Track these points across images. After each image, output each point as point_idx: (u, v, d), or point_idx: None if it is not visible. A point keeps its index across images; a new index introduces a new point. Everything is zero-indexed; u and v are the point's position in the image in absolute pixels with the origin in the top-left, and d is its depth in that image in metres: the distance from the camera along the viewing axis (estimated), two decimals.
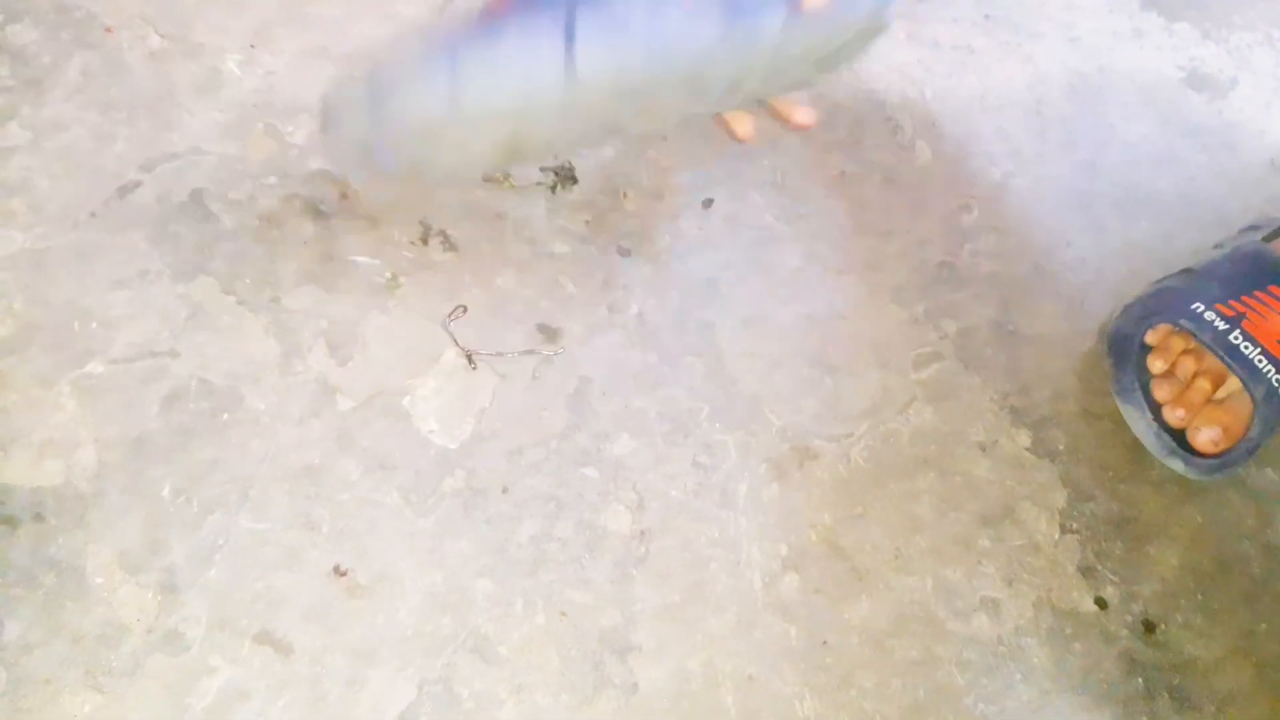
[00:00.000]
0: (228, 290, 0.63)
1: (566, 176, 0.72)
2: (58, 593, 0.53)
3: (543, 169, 0.71)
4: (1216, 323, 0.67)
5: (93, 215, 0.63)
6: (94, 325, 0.60)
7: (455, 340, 0.64)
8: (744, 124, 0.60)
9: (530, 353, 0.65)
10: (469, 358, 0.63)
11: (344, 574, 0.56)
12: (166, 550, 0.55)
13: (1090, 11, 0.90)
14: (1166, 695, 0.62)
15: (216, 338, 0.61)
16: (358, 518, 0.58)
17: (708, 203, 0.73)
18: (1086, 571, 0.64)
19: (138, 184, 0.65)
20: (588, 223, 0.70)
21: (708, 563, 0.60)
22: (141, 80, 0.69)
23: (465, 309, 0.65)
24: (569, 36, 0.50)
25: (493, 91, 0.50)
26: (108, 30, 0.70)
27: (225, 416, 0.59)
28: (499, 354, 0.64)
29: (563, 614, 0.57)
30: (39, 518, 0.55)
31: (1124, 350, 0.70)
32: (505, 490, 0.60)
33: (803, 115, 0.59)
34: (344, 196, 0.67)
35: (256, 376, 0.60)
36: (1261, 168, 0.85)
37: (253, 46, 0.71)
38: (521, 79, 0.50)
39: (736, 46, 0.52)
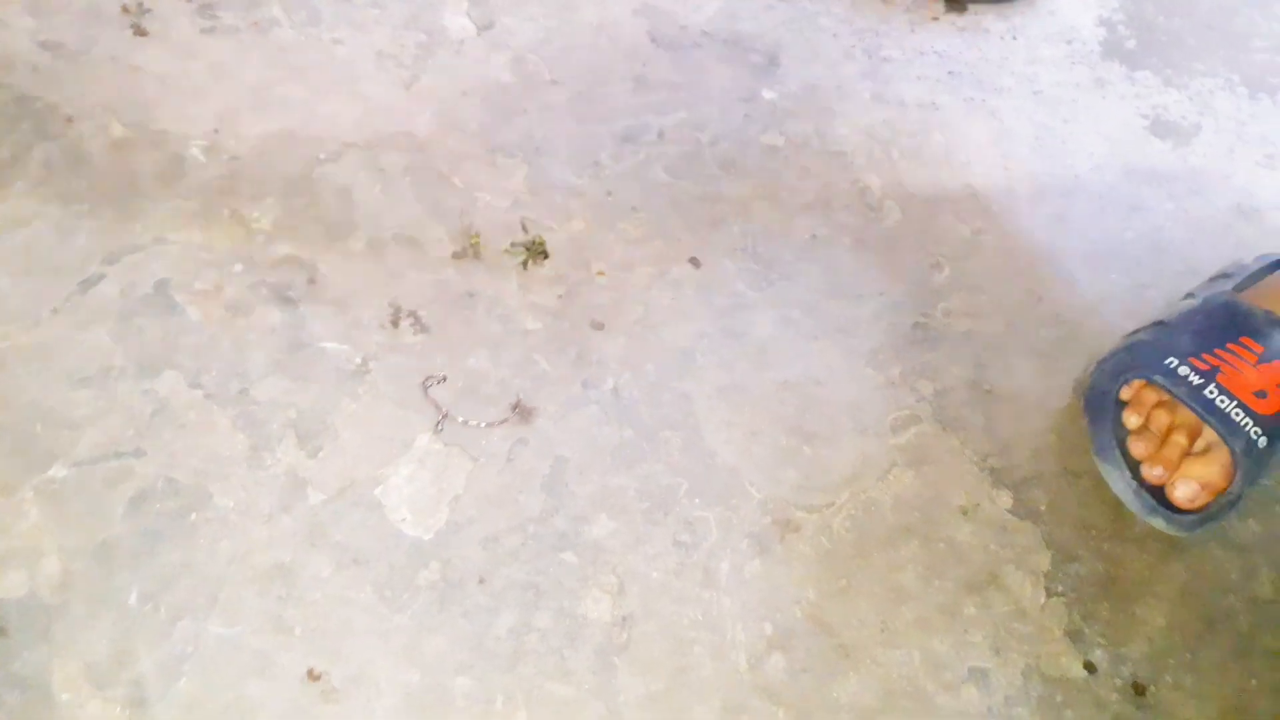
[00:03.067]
0: (194, 384, 0.62)
1: (538, 251, 0.71)
2: (22, 712, 0.52)
3: (513, 244, 0.71)
4: (1191, 377, 0.67)
5: (55, 312, 0.62)
6: (57, 427, 0.59)
7: (437, 406, 0.63)
8: None
9: (502, 422, 0.64)
10: (439, 421, 0.63)
11: (318, 678, 0.54)
12: (134, 661, 0.54)
13: (1052, 64, 0.91)
14: None
15: (183, 434, 0.60)
16: (331, 617, 0.56)
17: (695, 261, 0.73)
18: (1074, 635, 0.64)
19: (101, 277, 0.64)
20: (560, 297, 0.70)
21: (691, 646, 0.59)
22: (103, 171, 0.68)
23: (445, 377, 0.64)
24: None
25: None
26: (68, 121, 0.69)
27: (193, 516, 0.58)
28: (467, 423, 0.63)
29: (545, 710, 0.56)
30: (2, 632, 0.53)
31: (1100, 407, 0.70)
32: (482, 581, 0.59)
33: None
34: (312, 281, 0.66)
35: (225, 473, 0.59)
36: (1228, 213, 0.86)
37: (217, 131, 0.71)
38: None
39: None
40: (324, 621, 0.56)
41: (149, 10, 0.75)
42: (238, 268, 0.66)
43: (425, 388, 0.64)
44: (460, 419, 0.64)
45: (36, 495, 0.57)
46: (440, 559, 0.59)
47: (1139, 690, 0.63)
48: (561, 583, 0.60)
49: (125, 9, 0.75)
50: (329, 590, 0.57)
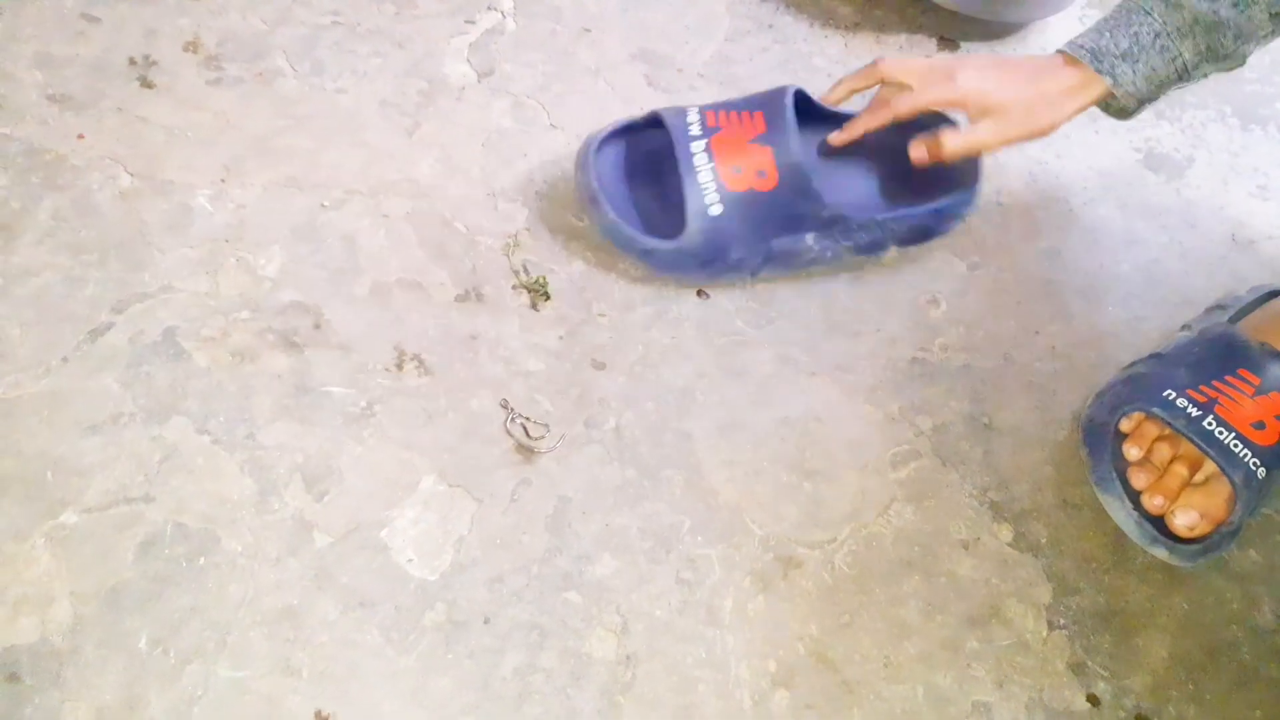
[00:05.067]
0: (202, 430, 0.63)
1: (540, 292, 0.72)
2: None
3: (515, 287, 0.72)
4: (1189, 409, 0.68)
5: (64, 360, 0.63)
6: (67, 474, 0.60)
7: (525, 430, 0.66)
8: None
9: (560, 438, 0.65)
10: (525, 430, 0.66)
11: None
12: (145, 705, 0.54)
13: None
14: None
15: (191, 479, 0.61)
16: (338, 660, 0.57)
17: (703, 293, 0.74)
18: (1076, 668, 0.64)
19: (109, 326, 0.65)
20: (561, 338, 0.71)
21: (696, 684, 0.59)
22: (112, 221, 0.69)
23: (512, 410, 0.67)
24: None
25: None
26: (77, 172, 0.71)
27: (202, 561, 0.59)
28: (545, 427, 0.67)
29: None
30: (14, 678, 0.54)
31: (1099, 439, 0.71)
32: (487, 621, 0.59)
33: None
34: (317, 326, 0.68)
35: (233, 517, 0.60)
36: (1223, 244, 0.87)
37: (223, 181, 0.72)
38: None
39: None
40: (331, 664, 0.57)
41: (155, 63, 0.77)
42: (244, 314, 0.67)
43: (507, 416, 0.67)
44: (532, 419, 0.67)
45: (47, 541, 0.58)
46: (446, 600, 0.60)
47: None
48: (566, 622, 0.60)
49: (132, 62, 0.77)
50: (336, 633, 0.58)
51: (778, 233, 0.72)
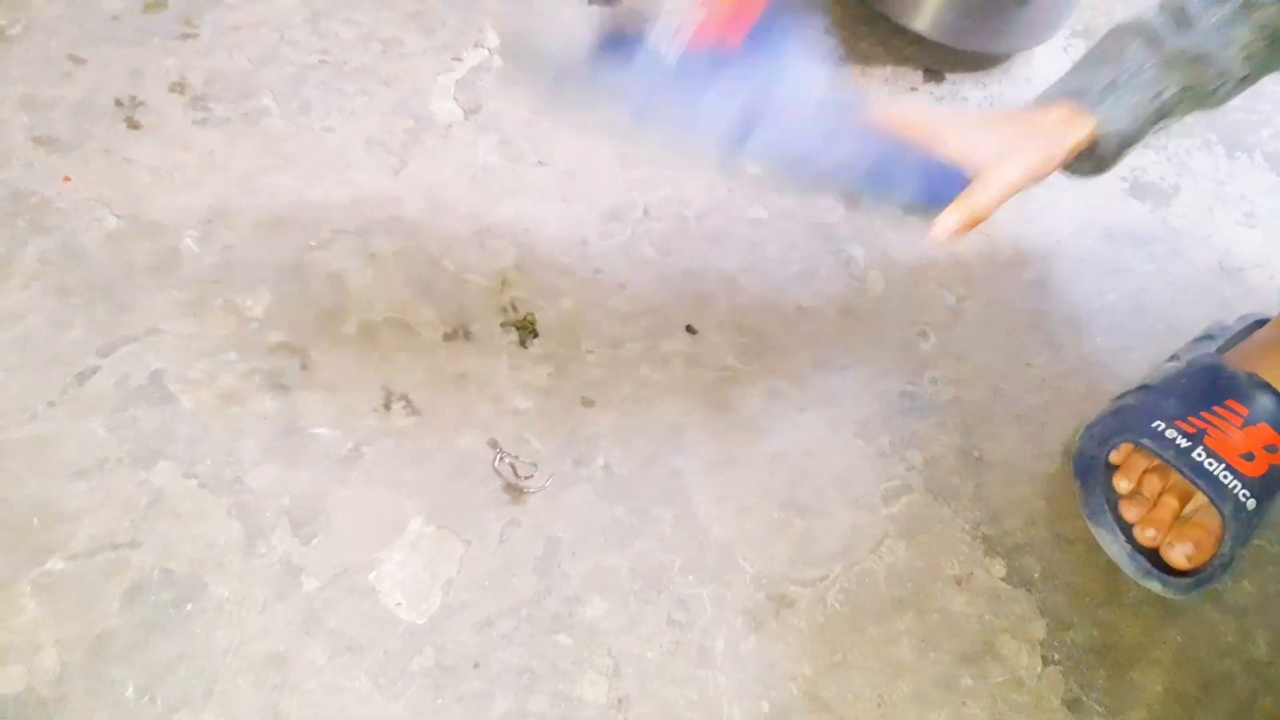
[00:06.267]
0: (188, 474, 0.62)
1: (528, 330, 0.72)
2: None
3: (503, 324, 0.72)
4: (1179, 440, 0.68)
5: (51, 405, 0.63)
6: (54, 519, 0.59)
7: (514, 469, 0.66)
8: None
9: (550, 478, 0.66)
10: (514, 469, 0.66)
11: None
12: None
13: None
14: None
15: (178, 524, 0.60)
16: (326, 706, 0.56)
17: (690, 329, 0.74)
18: (1072, 704, 0.64)
19: (96, 369, 0.65)
20: (550, 375, 0.71)
21: None
22: (98, 263, 0.69)
23: (500, 449, 0.67)
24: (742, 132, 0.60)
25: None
26: (63, 214, 0.71)
27: (188, 607, 0.58)
28: (533, 466, 0.66)
29: None
30: None
31: (1089, 472, 0.71)
32: (476, 665, 0.59)
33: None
34: (304, 367, 0.67)
35: (220, 562, 0.60)
36: (1209, 273, 0.87)
37: (210, 221, 0.72)
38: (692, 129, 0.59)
39: None
40: (319, 711, 0.56)
41: (142, 104, 0.77)
42: (231, 356, 0.67)
43: (495, 460, 0.66)
44: (524, 460, 0.67)
45: (34, 589, 0.57)
46: (434, 644, 0.59)
47: None
48: (556, 665, 0.60)
49: (119, 103, 0.77)
50: (324, 679, 0.57)
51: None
